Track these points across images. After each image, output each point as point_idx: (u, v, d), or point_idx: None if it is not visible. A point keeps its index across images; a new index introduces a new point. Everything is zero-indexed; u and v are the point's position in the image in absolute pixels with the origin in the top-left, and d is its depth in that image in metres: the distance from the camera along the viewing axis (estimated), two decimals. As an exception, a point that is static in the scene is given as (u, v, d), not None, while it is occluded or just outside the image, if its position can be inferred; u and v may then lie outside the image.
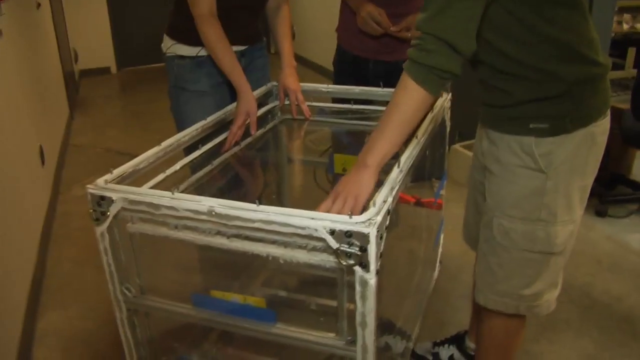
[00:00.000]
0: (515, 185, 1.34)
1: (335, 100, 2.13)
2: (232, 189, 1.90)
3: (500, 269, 1.42)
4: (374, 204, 1.11)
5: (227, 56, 1.77)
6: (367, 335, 1.13)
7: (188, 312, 1.32)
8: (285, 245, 1.15)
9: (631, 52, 3.77)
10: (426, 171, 1.87)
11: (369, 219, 1.05)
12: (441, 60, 1.15)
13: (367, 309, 1.10)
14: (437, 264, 2.37)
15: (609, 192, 3.06)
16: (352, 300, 1.11)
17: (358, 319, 1.11)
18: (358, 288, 1.08)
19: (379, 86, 1.99)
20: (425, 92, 1.18)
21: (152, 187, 1.36)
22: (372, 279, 1.06)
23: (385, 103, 1.97)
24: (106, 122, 4.95)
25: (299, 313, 1.90)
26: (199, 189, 1.63)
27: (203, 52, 1.85)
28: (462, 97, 2.10)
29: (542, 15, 1.19)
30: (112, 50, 6.61)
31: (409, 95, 1.20)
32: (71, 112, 4.96)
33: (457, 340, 1.94)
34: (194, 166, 1.64)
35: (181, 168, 1.54)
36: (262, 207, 1.11)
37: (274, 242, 1.16)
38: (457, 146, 3.32)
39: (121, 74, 6.69)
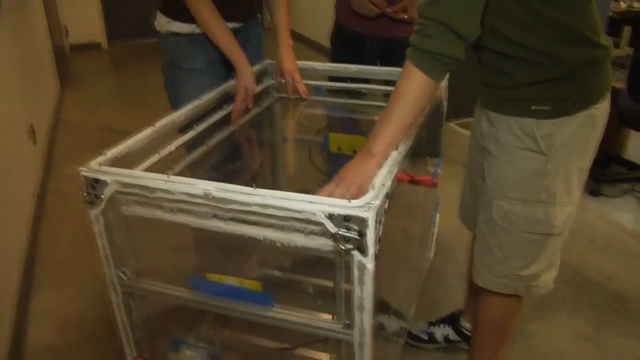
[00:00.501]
0: (514, 166, 1.33)
1: (332, 78, 2.10)
2: (228, 169, 1.88)
3: (500, 250, 1.41)
4: (373, 187, 1.09)
5: (223, 33, 1.74)
6: (365, 318, 1.12)
7: (184, 295, 1.31)
8: (283, 228, 1.13)
9: (627, 30, 3.73)
10: (421, 149, 1.85)
11: (368, 203, 1.04)
12: (443, 45, 1.12)
13: (365, 293, 1.09)
14: (433, 243, 2.37)
15: (603, 172, 3.06)
16: (349, 281, 1.10)
17: (356, 303, 1.11)
18: (356, 272, 1.07)
19: (375, 63, 1.96)
20: (429, 79, 1.16)
21: (146, 169, 1.34)
22: (370, 263, 1.05)
23: (381, 82, 1.96)
24: (98, 98, 4.89)
25: (294, 294, 1.90)
26: (194, 170, 1.61)
27: (198, 30, 1.81)
28: (456, 75, 2.07)
29: None
30: (102, 25, 6.51)
31: (413, 83, 1.18)
32: (62, 89, 4.90)
33: (452, 320, 1.94)
34: (189, 146, 1.61)
35: (176, 149, 1.52)
36: (258, 190, 1.09)
37: (271, 226, 1.14)
38: (452, 124, 3.29)
39: (112, 50, 6.59)
